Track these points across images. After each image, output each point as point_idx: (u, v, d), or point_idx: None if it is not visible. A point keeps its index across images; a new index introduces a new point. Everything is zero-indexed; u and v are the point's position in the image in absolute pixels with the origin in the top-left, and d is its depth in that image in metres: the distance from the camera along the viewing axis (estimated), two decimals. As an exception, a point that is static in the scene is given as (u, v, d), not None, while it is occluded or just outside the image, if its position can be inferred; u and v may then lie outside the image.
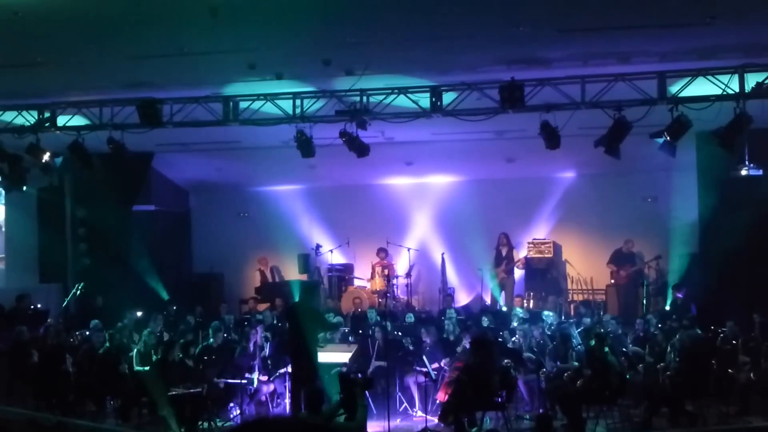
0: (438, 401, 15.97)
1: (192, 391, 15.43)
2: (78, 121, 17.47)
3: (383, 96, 16.09)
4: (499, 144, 21.19)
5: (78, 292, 21.63)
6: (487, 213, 23.84)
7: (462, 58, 15.11)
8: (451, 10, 12.42)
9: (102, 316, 19.49)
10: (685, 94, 14.86)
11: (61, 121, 17.49)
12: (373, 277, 23.83)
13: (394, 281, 23.71)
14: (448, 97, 15.97)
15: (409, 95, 15.96)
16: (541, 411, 15.55)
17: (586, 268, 23.55)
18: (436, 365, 16.50)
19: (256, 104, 16.70)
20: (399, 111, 16.24)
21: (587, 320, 18.73)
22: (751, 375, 15.89)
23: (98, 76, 15.89)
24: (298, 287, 19.00)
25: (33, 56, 14.30)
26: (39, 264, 23.55)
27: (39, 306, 21.32)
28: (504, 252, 23.16)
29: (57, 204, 23.21)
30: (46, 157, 17.93)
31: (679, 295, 20.57)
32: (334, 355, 16.93)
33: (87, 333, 18.65)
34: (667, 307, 20.23)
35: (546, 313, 19.20)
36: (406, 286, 23.82)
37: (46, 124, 17.41)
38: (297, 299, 18.05)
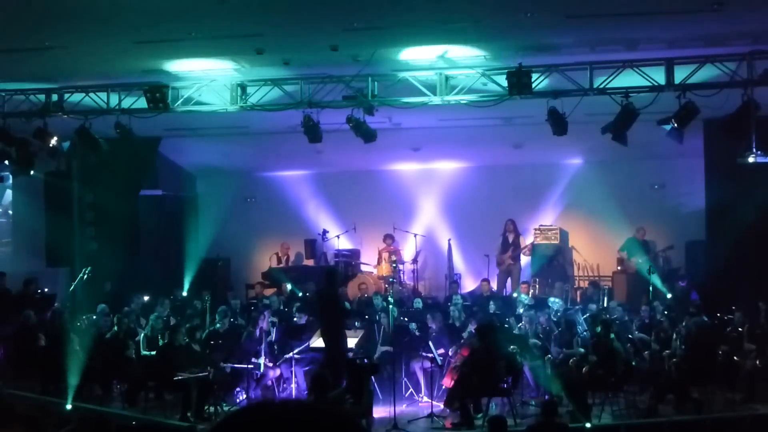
0: (444, 387, 16.02)
1: (198, 375, 15.47)
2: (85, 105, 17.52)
3: (391, 81, 16.09)
4: (506, 130, 21.16)
5: (85, 277, 21.66)
6: (494, 199, 23.86)
7: (470, 44, 15.09)
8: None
9: (109, 300, 19.55)
10: (692, 80, 14.84)
11: (69, 105, 17.53)
12: (379, 263, 23.84)
13: (401, 267, 23.73)
14: (455, 83, 15.96)
15: (416, 81, 15.96)
16: (546, 397, 15.59)
17: (593, 254, 23.55)
18: (442, 351, 16.53)
19: (264, 89, 16.72)
20: (406, 97, 16.24)
21: (593, 306, 18.75)
22: (757, 362, 15.90)
23: (106, 61, 15.90)
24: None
25: (41, 40, 14.31)
26: (46, 248, 23.58)
27: (46, 290, 21.38)
28: (510, 238, 23.12)
29: (64, 188, 23.20)
30: (54, 141, 17.97)
31: (682, 284, 20.56)
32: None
33: (94, 317, 18.71)
34: (669, 295, 20.19)
35: (552, 299, 19.19)
36: (413, 272, 23.83)
37: (53, 109, 17.45)
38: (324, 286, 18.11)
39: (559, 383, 15.71)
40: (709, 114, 15.75)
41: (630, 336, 17.05)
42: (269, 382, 16.95)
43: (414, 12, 13.18)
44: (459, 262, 24.33)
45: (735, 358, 16.17)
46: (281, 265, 24.47)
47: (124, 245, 22.21)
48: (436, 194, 25.02)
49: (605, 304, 19.21)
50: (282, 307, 19.93)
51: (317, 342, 16.81)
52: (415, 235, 24.23)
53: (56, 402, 15.87)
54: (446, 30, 14.08)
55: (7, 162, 18.93)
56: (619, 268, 22.73)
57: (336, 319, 16.35)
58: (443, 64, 15.95)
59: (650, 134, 16.29)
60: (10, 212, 24.60)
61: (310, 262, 24.85)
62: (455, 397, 15.19)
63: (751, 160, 15.32)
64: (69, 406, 15.49)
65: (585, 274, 23.51)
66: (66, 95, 17.46)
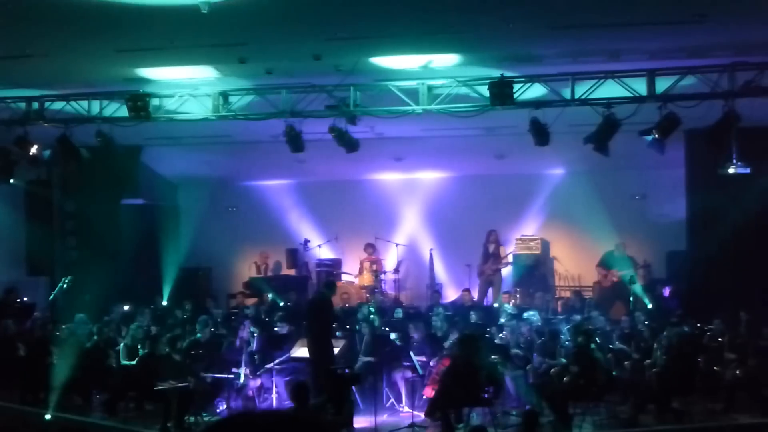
0: (425, 397, 15.99)
1: (179, 385, 15.39)
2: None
3: (373, 91, 16.09)
4: (488, 140, 21.20)
5: (65, 286, 21.56)
6: (476, 209, 23.86)
7: (453, 54, 15.11)
8: (442, 7, 12.42)
9: (89, 309, 19.45)
10: (674, 91, 14.89)
11: (50, 113, 17.44)
12: (361, 272, 23.84)
13: (383, 277, 23.72)
14: (437, 93, 15.97)
15: (399, 91, 15.96)
16: (527, 407, 15.59)
17: (574, 264, 23.60)
18: (423, 360, 16.51)
19: (246, 98, 16.69)
20: (389, 106, 16.24)
21: (577, 317, 18.75)
22: (738, 372, 15.93)
23: (87, 69, 15.85)
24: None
25: (22, 48, 14.25)
26: (26, 257, 23.47)
27: (26, 299, 21.27)
28: (491, 249, 23.13)
29: (45, 197, 23.13)
30: (34, 149, 17.87)
31: (665, 294, 20.60)
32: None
33: (73, 326, 18.61)
34: (650, 305, 20.21)
35: (527, 313, 19.07)
36: (395, 281, 23.82)
37: (34, 117, 17.37)
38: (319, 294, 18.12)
39: (540, 393, 15.73)
40: (690, 125, 15.82)
41: (610, 346, 17.08)
42: (250, 393, 16.89)
43: (397, 22, 13.20)
44: (441, 272, 24.33)
45: (716, 368, 16.21)
46: (261, 275, 24.43)
47: (104, 254, 22.11)
48: (419, 204, 25.02)
49: (589, 314, 19.19)
50: (263, 317, 19.88)
51: (299, 352, 16.78)
52: (397, 245, 24.24)
53: (35, 412, 15.77)
54: (429, 40, 14.10)
55: (-14, 170, 18.83)
56: (597, 279, 22.74)
57: (327, 328, 16.41)
58: (426, 74, 15.97)
59: (632, 145, 16.34)
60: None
61: (291, 272, 24.82)
62: (436, 408, 15.15)
63: (731, 170, 15.39)
64: (48, 416, 15.38)
65: (566, 284, 23.55)
66: (47, 103, 17.38)
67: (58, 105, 17.35)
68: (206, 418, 15.78)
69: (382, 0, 12.32)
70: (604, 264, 22.39)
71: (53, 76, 16.40)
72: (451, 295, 23.69)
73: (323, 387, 14.62)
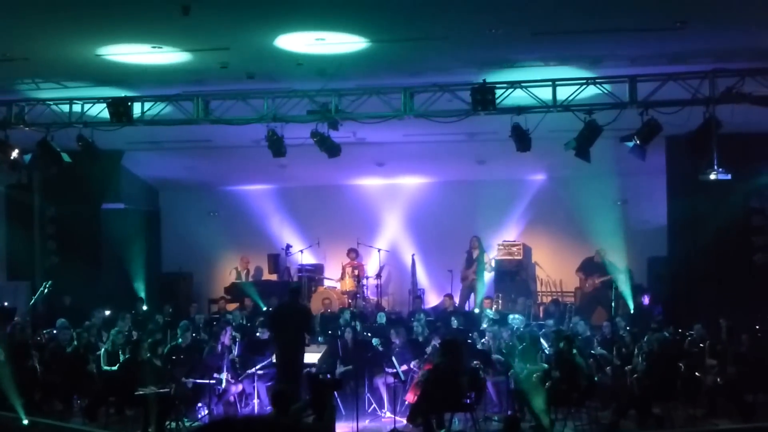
0: (407, 402, 15.99)
1: (160, 390, 15.32)
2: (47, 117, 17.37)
3: (355, 96, 16.08)
4: (470, 146, 21.22)
5: (46, 290, 21.45)
6: (457, 214, 23.90)
7: (434, 59, 15.12)
8: (424, 12, 12.43)
9: (70, 314, 19.36)
10: (655, 98, 14.94)
11: (31, 117, 17.34)
12: (343, 277, 23.81)
13: (364, 282, 23.71)
14: (419, 99, 15.97)
15: (381, 96, 15.96)
16: (509, 412, 15.60)
17: (556, 270, 23.63)
18: (405, 366, 16.50)
19: (228, 103, 16.64)
20: (371, 112, 16.23)
21: (550, 322, 18.80)
22: (718, 379, 15.98)
23: (67, 73, 15.78)
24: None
25: (1, 52, 14.18)
26: (7, 261, 23.34)
27: (6, 304, 21.14)
28: (475, 254, 23.15)
29: (25, 201, 23.02)
30: (15, 153, 17.76)
31: (645, 302, 20.65)
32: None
33: (54, 332, 18.53)
34: (632, 311, 20.27)
35: (512, 316, 19.15)
36: (376, 287, 23.80)
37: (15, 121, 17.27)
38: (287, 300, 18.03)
39: (521, 399, 15.74)
40: (671, 131, 15.86)
41: (592, 352, 17.11)
42: (231, 398, 16.85)
43: (380, 29, 13.20)
44: (422, 277, 24.35)
45: (696, 374, 16.25)
46: (241, 280, 24.36)
47: (85, 259, 22.05)
48: (400, 209, 25.04)
49: (569, 320, 19.23)
50: (245, 322, 19.83)
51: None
52: (379, 250, 24.22)
53: (13, 417, 15.67)
54: (411, 45, 14.10)
55: (-33, 174, 18.74)
56: (578, 285, 22.81)
57: (301, 334, 16.38)
58: (408, 80, 15.97)
59: (613, 151, 16.40)
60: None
61: (273, 277, 24.77)
62: (418, 413, 15.14)
63: (712, 177, 15.43)
64: (26, 422, 15.28)
65: (548, 289, 23.58)
66: (27, 107, 17.29)
67: (40, 109, 17.26)
68: (187, 424, 15.73)
69: (364, 5, 12.31)
70: (585, 269, 22.46)
71: (31, 78, 16.32)
72: (432, 300, 23.72)
73: (296, 392, 14.60)
